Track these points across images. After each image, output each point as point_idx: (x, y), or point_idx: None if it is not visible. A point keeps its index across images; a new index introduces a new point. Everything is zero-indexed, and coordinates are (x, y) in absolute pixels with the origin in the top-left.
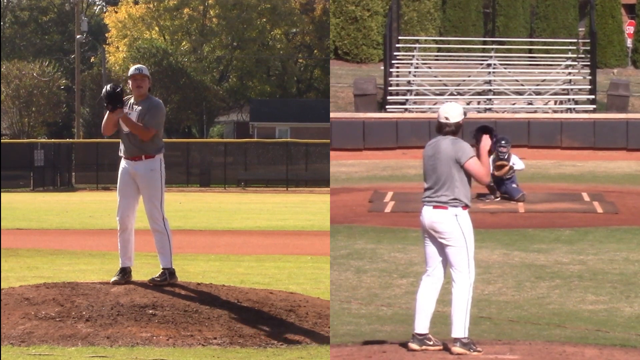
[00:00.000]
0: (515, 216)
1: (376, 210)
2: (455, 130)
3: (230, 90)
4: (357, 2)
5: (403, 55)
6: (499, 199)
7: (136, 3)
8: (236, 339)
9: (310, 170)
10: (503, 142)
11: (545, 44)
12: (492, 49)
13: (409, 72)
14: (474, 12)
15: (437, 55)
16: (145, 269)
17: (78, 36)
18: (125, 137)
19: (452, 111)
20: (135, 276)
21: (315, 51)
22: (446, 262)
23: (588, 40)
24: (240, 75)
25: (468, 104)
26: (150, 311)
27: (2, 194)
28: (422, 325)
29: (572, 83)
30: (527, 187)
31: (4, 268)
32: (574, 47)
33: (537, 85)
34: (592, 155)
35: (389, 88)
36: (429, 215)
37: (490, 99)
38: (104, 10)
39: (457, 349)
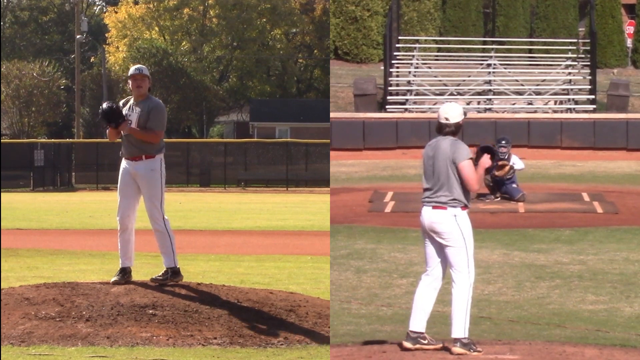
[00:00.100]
0: (515, 216)
1: (376, 210)
2: (455, 130)
3: (230, 90)
4: (357, 2)
5: (403, 55)
6: (498, 199)
7: (136, 3)
8: (236, 339)
9: (310, 170)
10: (503, 142)
11: (545, 44)
12: (492, 49)
13: (409, 72)
14: (474, 12)
15: (437, 55)
16: (145, 269)
17: (78, 36)
18: (125, 137)
19: (452, 111)
20: (135, 276)
21: (315, 51)
22: (446, 263)
23: (588, 40)
24: (240, 75)
25: (468, 104)
26: (150, 311)
27: (2, 194)
28: (417, 323)
29: (572, 83)
30: (527, 187)
31: (4, 268)
32: (574, 47)
33: (537, 85)
34: (592, 155)
35: (389, 88)
36: (429, 215)
37: (490, 99)
38: (104, 10)
39: (457, 349)
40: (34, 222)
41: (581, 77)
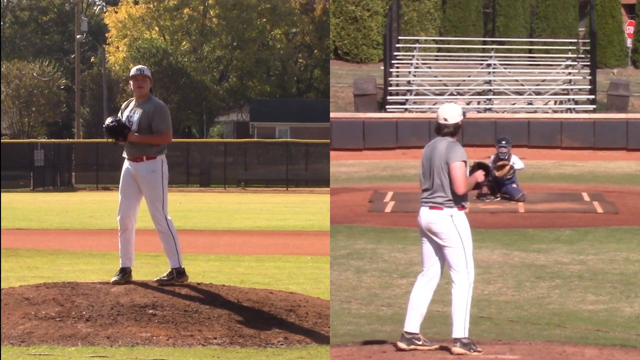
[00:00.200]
0: (515, 216)
1: (376, 210)
2: (454, 131)
3: (230, 90)
4: (357, 2)
5: (403, 55)
6: (498, 199)
7: (136, 3)
8: (236, 339)
9: (310, 170)
10: (503, 142)
11: (545, 44)
12: (492, 49)
13: (409, 72)
14: (474, 12)
15: (437, 55)
16: (145, 269)
17: (78, 36)
18: None
19: (450, 112)
20: (135, 276)
21: (315, 51)
22: (443, 263)
23: (588, 40)
24: (240, 75)
25: (468, 104)
26: (150, 311)
27: (2, 194)
28: (411, 324)
29: (572, 83)
30: (527, 187)
31: (4, 268)
32: (574, 47)
33: (537, 85)
34: (592, 155)
35: (389, 88)
36: (426, 215)
37: (490, 99)
38: (104, 10)
39: (457, 349)
40: (34, 222)
41: (581, 77)
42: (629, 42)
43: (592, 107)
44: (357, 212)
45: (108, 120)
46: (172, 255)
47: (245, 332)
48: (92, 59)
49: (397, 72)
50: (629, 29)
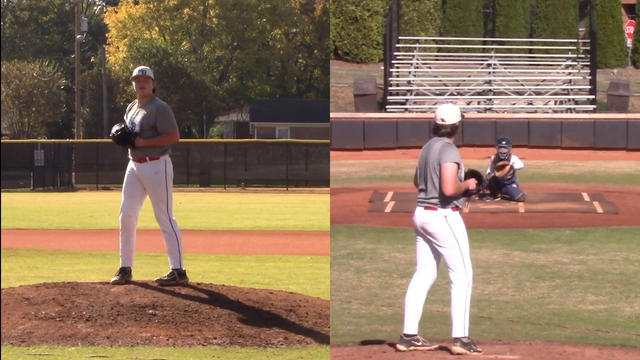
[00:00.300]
0: (515, 216)
1: (376, 210)
2: (452, 131)
3: (230, 90)
4: (357, 2)
5: (403, 55)
6: (499, 199)
7: (136, 3)
8: (236, 339)
9: (310, 170)
10: (503, 142)
11: (545, 44)
12: (492, 49)
13: (409, 72)
14: (474, 12)
15: (437, 55)
16: (145, 269)
17: (78, 36)
18: None
19: (448, 112)
20: (135, 276)
21: (315, 51)
22: (438, 262)
23: (588, 40)
24: (240, 75)
25: (468, 104)
26: (150, 311)
27: (2, 194)
28: (409, 326)
29: (572, 83)
30: (527, 187)
31: (4, 268)
32: (574, 47)
33: (537, 85)
34: (592, 155)
35: (389, 88)
36: (420, 215)
37: (490, 99)
38: (104, 10)
39: (457, 348)
40: (34, 222)
41: (581, 77)
42: (629, 42)
43: (592, 107)
44: (357, 212)
45: (113, 130)
46: (174, 255)
47: (245, 332)
48: (92, 59)
49: (397, 72)
50: (629, 29)
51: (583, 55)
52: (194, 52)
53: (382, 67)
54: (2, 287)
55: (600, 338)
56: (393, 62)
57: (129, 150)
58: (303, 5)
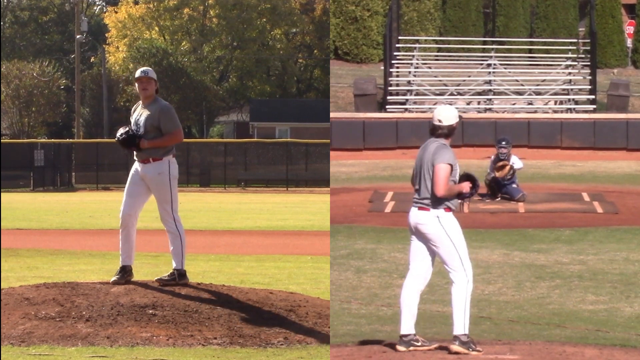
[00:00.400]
0: (515, 216)
1: (376, 210)
2: (448, 133)
3: (230, 90)
4: (357, 2)
5: (403, 55)
6: (499, 199)
7: (136, 3)
8: (236, 339)
9: (310, 170)
10: (503, 142)
11: (545, 44)
12: (492, 49)
13: (409, 72)
14: (474, 12)
15: (437, 55)
16: (145, 269)
17: (78, 36)
18: None
19: (445, 113)
20: (136, 276)
21: (315, 51)
22: (432, 262)
23: (588, 40)
24: (240, 75)
25: (468, 104)
26: (150, 311)
27: (2, 194)
28: (406, 326)
29: (572, 83)
30: (527, 187)
31: (4, 268)
32: (574, 47)
33: (537, 85)
34: (592, 155)
35: (389, 88)
36: (414, 216)
37: (490, 99)
38: (104, 10)
39: (455, 347)
40: (34, 222)
41: (581, 77)
42: (629, 42)
43: (592, 107)
44: (357, 212)
45: (118, 134)
46: (177, 255)
47: (245, 332)
48: (92, 59)
49: (397, 72)
50: (629, 29)
51: (583, 55)
52: (194, 52)
53: (382, 67)
54: (2, 287)
55: (600, 338)
56: (393, 62)
57: (135, 151)
58: (303, 5)
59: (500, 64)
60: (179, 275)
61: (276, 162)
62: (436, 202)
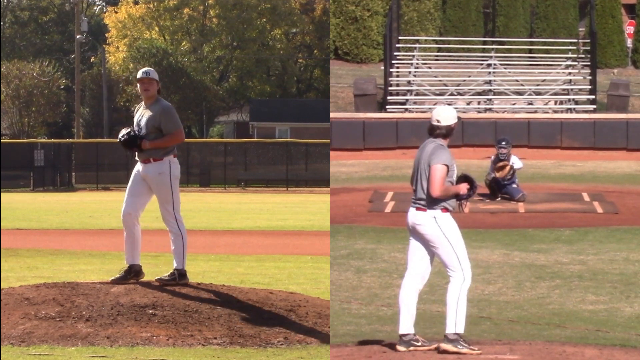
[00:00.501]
0: (515, 216)
1: (376, 210)
2: (447, 133)
3: (230, 90)
4: (357, 2)
5: (403, 55)
6: (499, 199)
7: (136, 3)
8: (236, 339)
9: (310, 170)
10: (503, 142)
11: (545, 44)
12: (492, 49)
13: (409, 72)
14: (474, 12)
15: (437, 55)
16: (145, 269)
17: (78, 36)
18: None
19: (444, 113)
20: None
21: (315, 51)
22: (430, 262)
23: (588, 40)
24: (240, 75)
25: (468, 104)
26: (150, 311)
27: (2, 194)
28: (405, 326)
29: (572, 83)
30: (527, 187)
31: (4, 268)
32: (574, 47)
33: (537, 85)
34: (592, 155)
35: (389, 88)
36: (412, 216)
37: (490, 99)
38: (104, 10)
39: (443, 345)
40: (34, 222)
41: (581, 77)
42: (629, 42)
43: (592, 107)
44: (357, 212)
45: (120, 135)
46: (178, 255)
47: (245, 332)
48: (92, 59)
49: (397, 72)
50: (629, 29)
51: (583, 55)
52: (194, 52)
53: (382, 67)
54: (2, 287)
55: (600, 338)
56: (393, 62)
57: (136, 152)
58: (303, 5)
59: (500, 64)
60: (179, 275)
61: (276, 162)
62: (433, 202)
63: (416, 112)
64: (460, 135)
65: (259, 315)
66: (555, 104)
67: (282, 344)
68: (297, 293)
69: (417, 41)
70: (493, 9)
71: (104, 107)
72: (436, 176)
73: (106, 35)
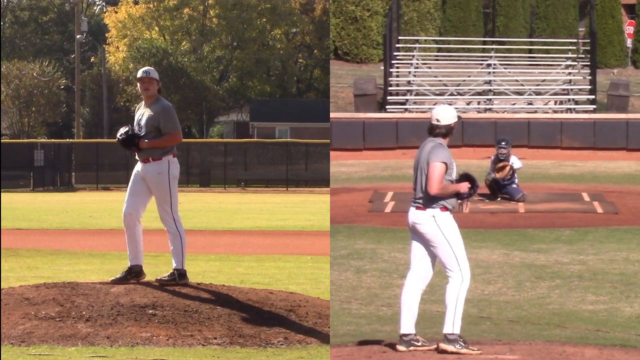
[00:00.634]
0: (515, 216)
1: (376, 210)
2: (446, 132)
3: (230, 90)
4: (357, 2)
5: (403, 55)
6: (499, 199)
7: (136, 3)
8: (236, 339)
9: (310, 170)
10: (503, 143)
11: (545, 44)
12: (492, 49)
13: (409, 72)
14: (474, 12)
15: (437, 55)
16: (145, 269)
17: (78, 36)
18: None
19: (443, 113)
20: None
21: (315, 51)
22: (432, 262)
23: (588, 40)
24: (240, 75)
25: (468, 104)
26: (150, 311)
27: (2, 194)
28: (406, 325)
29: (572, 83)
30: (527, 187)
31: (4, 268)
32: (574, 47)
33: (537, 85)
34: (592, 155)
35: (389, 88)
36: (412, 215)
37: (490, 99)
38: (104, 10)
39: (442, 345)
40: (34, 222)
41: (581, 77)
42: (629, 42)
43: (592, 107)
44: (357, 212)
45: (118, 134)
46: (177, 255)
47: (245, 332)
48: (92, 59)
49: (397, 72)
50: (629, 29)
51: (583, 55)
52: (194, 52)
53: (382, 67)
54: (2, 287)
55: (600, 338)
56: (393, 62)
57: (136, 152)
58: (303, 5)
59: (500, 64)
60: (179, 275)
61: (276, 162)
62: (431, 200)
63: (416, 112)
64: (460, 135)
65: (259, 315)
66: (555, 104)
67: (282, 344)
68: (297, 293)
69: (417, 41)
70: (493, 9)
71: (104, 107)
72: (434, 173)
73: (106, 35)
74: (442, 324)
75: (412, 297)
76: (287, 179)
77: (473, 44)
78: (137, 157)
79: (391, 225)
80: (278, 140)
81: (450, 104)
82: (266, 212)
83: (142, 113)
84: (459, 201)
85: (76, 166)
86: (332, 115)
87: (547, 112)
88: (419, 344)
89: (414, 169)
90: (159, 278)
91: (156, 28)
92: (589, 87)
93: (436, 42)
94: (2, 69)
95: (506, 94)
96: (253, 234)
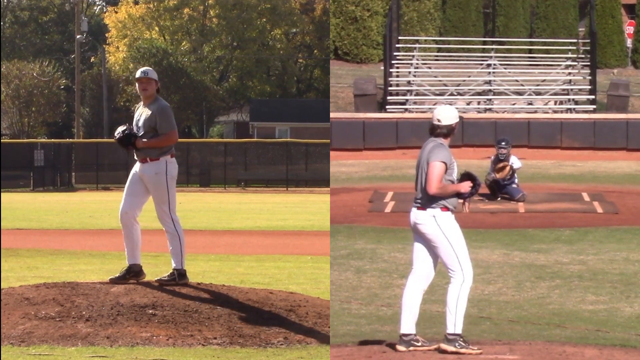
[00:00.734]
0: (515, 216)
1: (376, 210)
2: (447, 132)
3: (230, 90)
4: (357, 2)
5: (403, 55)
6: (499, 199)
7: (136, 3)
8: (236, 339)
9: (310, 170)
10: (503, 143)
11: (545, 44)
12: (492, 49)
13: (409, 72)
14: (474, 12)
15: (437, 55)
16: (145, 269)
17: (78, 36)
18: None
19: (444, 113)
20: None
21: (315, 51)
22: (435, 262)
23: (588, 40)
24: (240, 75)
25: (468, 104)
26: (150, 311)
27: (2, 194)
28: (407, 325)
29: (572, 83)
30: (527, 187)
31: (4, 268)
32: (574, 47)
33: (537, 85)
34: (592, 155)
35: (389, 88)
36: (414, 215)
37: (490, 99)
38: (104, 10)
39: (442, 345)
40: (34, 222)
41: (581, 77)
42: (629, 42)
43: (592, 107)
44: (357, 212)
45: (116, 132)
46: (176, 255)
47: (245, 332)
48: (92, 59)
49: (397, 72)
50: (629, 29)
51: (583, 55)
52: (194, 52)
53: (382, 67)
54: (2, 287)
55: (600, 338)
56: (393, 62)
57: (134, 151)
58: (303, 5)
59: (500, 64)
60: (179, 275)
61: (276, 162)
62: (431, 200)
63: (416, 112)
64: (460, 135)
65: (259, 315)
66: (555, 104)
67: (282, 344)
68: (297, 293)
69: (417, 41)
70: (493, 9)
71: (104, 107)
72: (433, 173)
73: (106, 35)
74: (442, 324)
75: (413, 297)
76: (287, 179)
77: (473, 44)
78: (135, 157)
79: (391, 225)
80: (278, 140)
81: (450, 104)
82: (266, 212)
83: (141, 113)
84: (461, 201)
85: (76, 166)
86: (332, 115)
87: (547, 112)
88: (419, 344)
89: (416, 169)
90: (158, 278)
91: (156, 28)
92: (589, 87)
93: (436, 42)
94: (2, 69)
95: (506, 94)
96: (253, 234)
